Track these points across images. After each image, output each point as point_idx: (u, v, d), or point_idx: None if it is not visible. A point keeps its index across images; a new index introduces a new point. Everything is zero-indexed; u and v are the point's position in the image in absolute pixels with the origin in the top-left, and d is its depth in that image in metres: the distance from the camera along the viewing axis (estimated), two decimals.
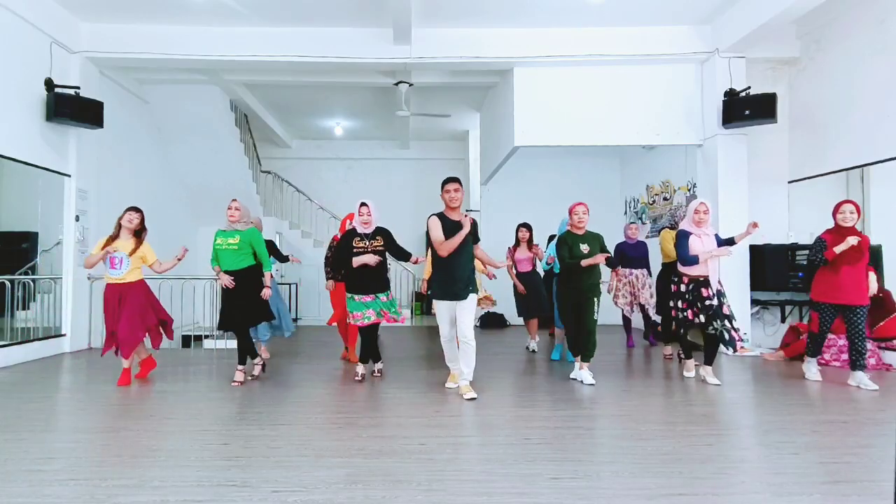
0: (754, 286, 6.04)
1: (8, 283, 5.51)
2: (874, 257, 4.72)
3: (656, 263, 6.01)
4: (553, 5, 5.80)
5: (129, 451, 2.78)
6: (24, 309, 5.67)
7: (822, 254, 4.22)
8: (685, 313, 4.37)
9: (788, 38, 6.27)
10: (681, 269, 4.40)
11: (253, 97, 8.51)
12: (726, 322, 4.18)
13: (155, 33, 6.17)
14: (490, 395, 4.03)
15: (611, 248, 4.71)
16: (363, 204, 4.39)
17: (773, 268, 5.92)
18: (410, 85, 7.30)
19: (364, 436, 3.03)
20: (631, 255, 6.06)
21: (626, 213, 9.48)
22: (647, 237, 7.81)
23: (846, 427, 3.20)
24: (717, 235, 4.42)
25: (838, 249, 4.09)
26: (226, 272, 4.32)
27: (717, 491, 2.29)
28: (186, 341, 7.35)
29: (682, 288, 4.39)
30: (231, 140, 8.68)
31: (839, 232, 4.22)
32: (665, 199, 8.16)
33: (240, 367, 4.41)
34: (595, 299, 4.34)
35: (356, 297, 4.40)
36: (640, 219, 8.81)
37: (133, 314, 4.27)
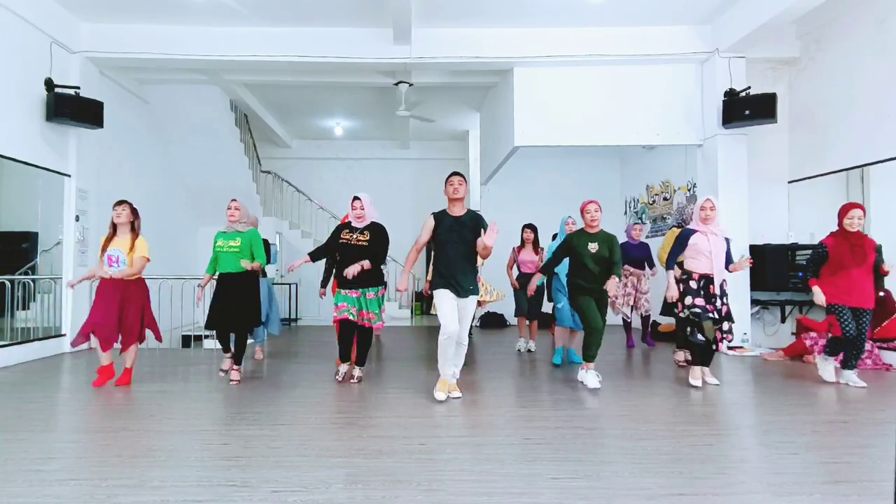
0: (754, 286, 6.04)
1: (8, 283, 5.51)
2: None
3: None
4: (553, 5, 5.80)
5: (129, 451, 2.78)
6: (24, 309, 5.67)
7: (810, 272, 4.31)
8: (704, 308, 4.13)
9: (788, 38, 6.27)
10: (688, 265, 4.26)
11: (253, 97, 8.51)
12: (724, 324, 4.13)
13: (155, 33, 6.17)
14: (490, 395, 4.03)
15: None
16: (356, 198, 4.27)
17: (773, 268, 5.92)
18: (410, 85, 7.30)
19: (364, 436, 3.03)
20: (634, 255, 6.02)
21: (626, 213, 9.48)
22: (646, 237, 7.80)
23: (846, 427, 3.20)
24: (727, 240, 4.26)
25: (815, 290, 4.21)
26: (225, 274, 4.29)
27: (717, 491, 2.29)
28: (186, 341, 7.34)
29: (693, 284, 4.21)
30: (231, 140, 8.69)
31: (844, 236, 4.16)
32: (665, 199, 8.17)
33: (235, 366, 4.39)
34: (605, 300, 4.27)
35: (343, 291, 4.27)
36: (640, 219, 8.81)
37: (135, 311, 4.23)
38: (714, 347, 4.24)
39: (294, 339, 7.34)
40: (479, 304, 5.95)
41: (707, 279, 4.16)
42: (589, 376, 4.20)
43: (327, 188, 10.98)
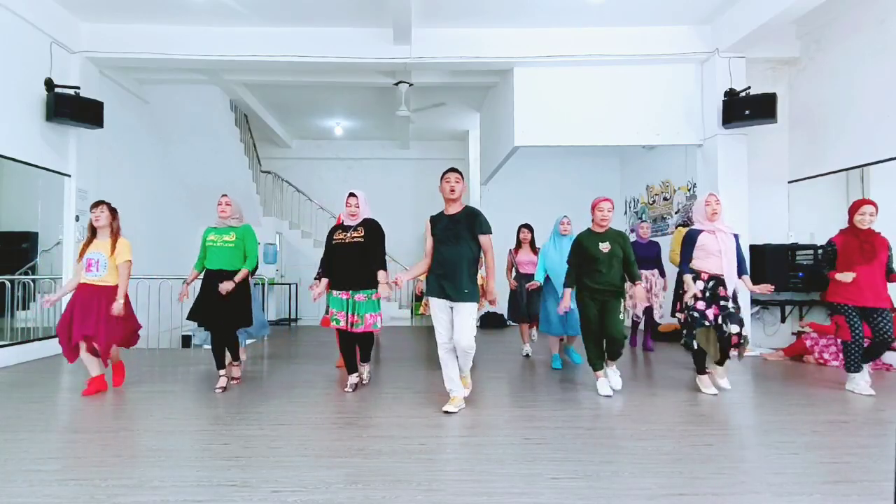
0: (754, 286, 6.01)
1: (8, 283, 5.51)
2: None
3: (667, 263, 5.96)
4: (553, 5, 5.80)
5: (128, 451, 2.78)
6: (24, 309, 5.67)
7: (827, 268, 4.14)
8: (703, 314, 3.90)
9: (788, 38, 6.28)
10: (695, 265, 3.99)
11: (253, 97, 8.51)
12: (733, 328, 3.84)
13: (155, 33, 6.17)
14: (490, 395, 4.03)
15: None
16: (351, 194, 4.04)
17: (773, 268, 5.91)
18: (410, 85, 7.30)
19: (364, 436, 3.03)
20: (642, 255, 5.78)
21: (626, 213, 9.49)
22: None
23: (846, 427, 3.20)
24: (737, 237, 4.04)
25: (840, 277, 3.97)
26: (216, 271, 4.06)
27: (717, 491, 2.29)
28: (186, 341, 7.34)
29: (700, 286, 3.95)
30: (231, 140, 8.68)
31: (854, 233, 4.03)
32: (665, 199, 8.17)
33: (221, 372, 4.18)
34: (621, 300, 3.96)
35: (334, 292, 4.01)
36: (641, 218, 8.81)
37: (106, 319, 3.92)
38: (730, 355, 3.98)
39: (294, 339, 7.34)
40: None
41: (717, 280, 3.93)
42: (608, 379, 4.04)
43: (327, 188, 10.98)
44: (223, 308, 4.03)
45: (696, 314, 3.94)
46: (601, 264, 3.93)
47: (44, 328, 5.84)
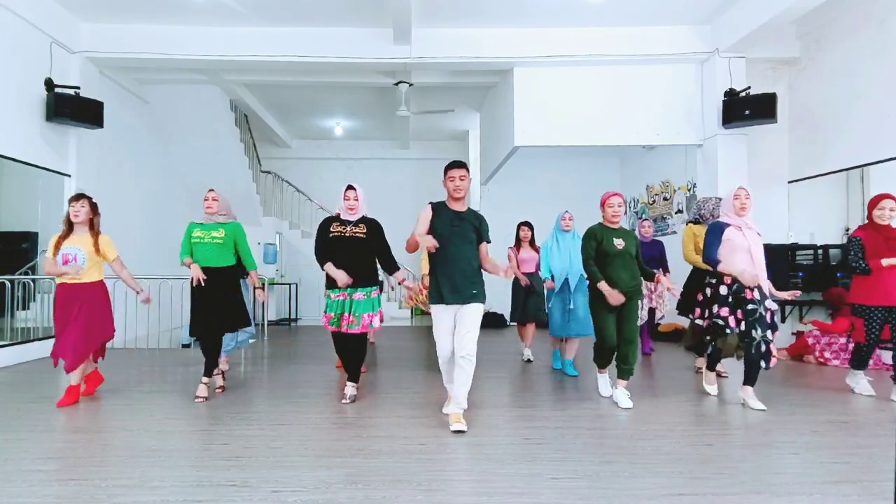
0: None
1: (8, 283, 5.51)
2: None
3: (671, 263, 5.92)
4: (553, 5, 5.80)
5: (128, 451, 2.78)
6: (23, 309, 5.67)
7: (864, 261, 3.80)
8: (726, 320, 3.61)
9: (788, 38, 6.27)
10: (721, 265, 3.61)
11: (253, 97, 8.51)
12: (768, 333, 3.48)
13: (155, 33, 6.17)
14: (490, 395, 4.03)
15: None
16: (350, 187, 3.85)
17: (773, 268, 5.84)
18: (410, 85, 7.30)
19: (364, 436, 3.03)
20: (646, 254, 5.61)
21: (626, 213, 9.47)
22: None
23: (846, 427, 3.20)
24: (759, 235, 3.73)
25: (886, 262, 3.69)
26: (202, 269, 3.84)
27: (717, 491, 2.29)
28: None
29: (724, 290, 3.63)
30: (231, 140, 8.69)
31: (875, 229, 3.83)
32: (665, 199, 8.17)
33: (205, 379, 3.94)
34: (639, 301, 3.76)
35: (331, 293, 3.74)
36: (641, 218, 8.81)
37: (87, 323, 3.70)
38: (764, 366, 3.50)
39: (293, 339, 7.34)
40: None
41: (741, 284, 3.57)
42: (620, 394, 3.71)
43: (327, 188, 10.97)
44: (220, 310, 3.90)
45: (721, 323, 3.63)
46: (615, 259, 3.69)
47: (44, 328, 5.84)
